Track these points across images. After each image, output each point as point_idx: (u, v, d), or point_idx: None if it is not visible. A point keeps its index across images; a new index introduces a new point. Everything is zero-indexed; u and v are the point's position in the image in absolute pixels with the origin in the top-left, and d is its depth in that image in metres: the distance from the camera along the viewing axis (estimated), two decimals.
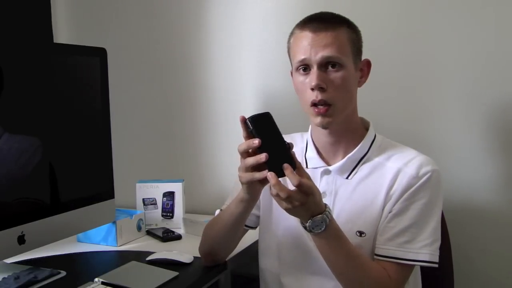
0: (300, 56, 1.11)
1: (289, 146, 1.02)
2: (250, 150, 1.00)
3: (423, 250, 1.09)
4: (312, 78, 1.09)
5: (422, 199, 1.10)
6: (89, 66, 1.33)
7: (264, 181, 1.00)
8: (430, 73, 1.49)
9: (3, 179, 1.12)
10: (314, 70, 1.09)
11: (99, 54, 1.35)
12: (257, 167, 0.99)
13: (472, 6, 1.43)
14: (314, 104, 1.10)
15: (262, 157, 0.97)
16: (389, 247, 1.10)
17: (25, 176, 1.17)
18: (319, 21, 1.12)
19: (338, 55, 1.09)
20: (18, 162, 1.15)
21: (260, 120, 0.99)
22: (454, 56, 1.46)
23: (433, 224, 1.11)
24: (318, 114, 1.11)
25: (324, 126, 1.13)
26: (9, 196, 1.14)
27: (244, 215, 1.14)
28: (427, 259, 1.09)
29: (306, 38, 1.11)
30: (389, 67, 1.51)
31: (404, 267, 1.10)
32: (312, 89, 1.09)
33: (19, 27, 1.68)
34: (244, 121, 0.99)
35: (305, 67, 1.11)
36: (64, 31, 1.93)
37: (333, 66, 1.09)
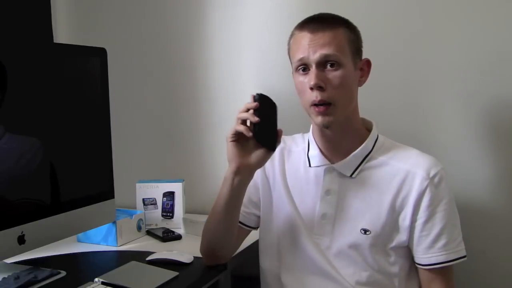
0: (299, 55, 1.12)
1: (280, 133, 1.13)
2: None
3: (460, 245, 1.14)
4: (311, 78, 1.10)
5: (444, 199, 1.13)
6: (89, 66, 1.34)
7: (246, 153, 1.12)
8: (429, 74, 1.49)
9: (4, 179, 1.12)
10: (313, 69, 1.10)
11: (99, 54, 1.35)
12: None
13: (471, 7, 1.43)
14: (314, 104, 1.11)
15: (256, 119, 1.09)
16: (431, 254, 1.13)
17: (25, 176, 1.17)
18: (317, 22, 1.13)
19: (336, 53, 1.10)
20: (19, 163, 1.15)
21: (266, 100, 1.13)
22: (453, 56, 1.45)
23: (458, 218, 1.16)
24: (319, 113, 1.11)
25: (325, 126, 1.13)
26: (9, 196, 1.14)
27: (233, 198, 1.14)
28: (465, 253, 1.14)
29: (304, 38, 1.12)
30: (388, 68, 1.50)
31: (450, 268, 1.15)
32: (312, 89, 1.10)
33: (19, 27, 1.68)
34: (253, 97, 1.12)
35: (304, 67, 1.12)
36: (64, 31, 1.93)
37: (331, 65, 1.10)
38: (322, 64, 1.10)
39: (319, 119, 1.12)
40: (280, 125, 1.12)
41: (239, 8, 1.70)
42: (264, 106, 1.11)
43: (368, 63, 1.19)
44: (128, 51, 1.85)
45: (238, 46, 1.71)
